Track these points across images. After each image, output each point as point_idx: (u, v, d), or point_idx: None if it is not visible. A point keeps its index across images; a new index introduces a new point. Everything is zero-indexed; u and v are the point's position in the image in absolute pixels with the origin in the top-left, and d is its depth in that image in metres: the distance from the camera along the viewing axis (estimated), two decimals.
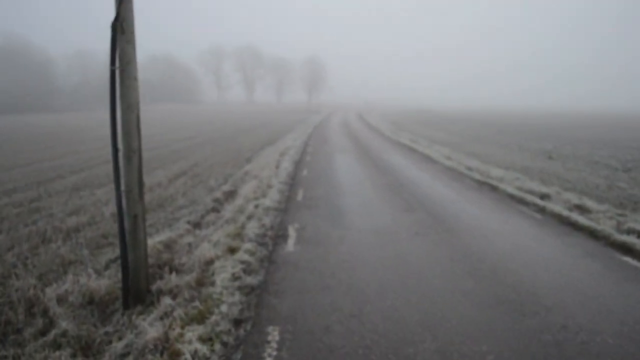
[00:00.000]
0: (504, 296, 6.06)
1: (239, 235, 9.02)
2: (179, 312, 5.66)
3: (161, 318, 5.88)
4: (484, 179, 15.88)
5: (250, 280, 6.57)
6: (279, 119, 69.46)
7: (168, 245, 9.51)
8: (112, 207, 12.45)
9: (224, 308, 5.55)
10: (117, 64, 6.26)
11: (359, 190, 13.62)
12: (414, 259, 7.43)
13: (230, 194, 14.28)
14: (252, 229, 9.21)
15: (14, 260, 8.39)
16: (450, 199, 12.42)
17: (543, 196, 13.18)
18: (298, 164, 19.70)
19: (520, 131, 44.82)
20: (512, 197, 12.95)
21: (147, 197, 13.61)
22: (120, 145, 6.37)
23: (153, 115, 75.75)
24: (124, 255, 6.48)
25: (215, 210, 12.44)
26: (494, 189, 14.22)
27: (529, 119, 72.91)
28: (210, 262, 7.69)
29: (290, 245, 8.37)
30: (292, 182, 15.15)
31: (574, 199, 12.60)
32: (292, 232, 9.21)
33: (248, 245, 8.05)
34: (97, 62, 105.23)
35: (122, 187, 6.55)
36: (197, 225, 11.11)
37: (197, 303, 5.73)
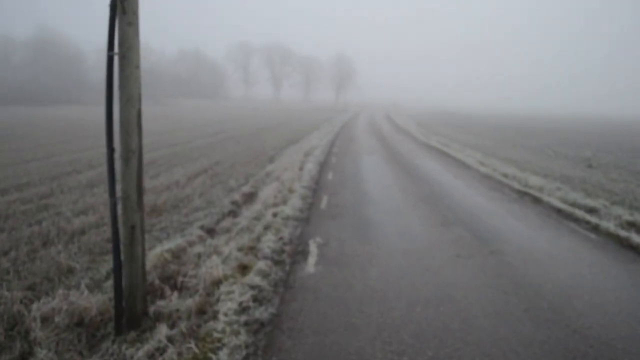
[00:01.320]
0: (574, 348, 4.84)
1: (252, 249, 7.97)
2: (171, 352, 4.63)
3: (152, 355, 4.88)
4: (523, 188, 14.54)
5: (261, 312, 5.48)
6: (305, 117, 68.45)
7: (177, 255, 8.60)
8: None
9: (223, 355, 4.46)
10: (117, 49, 5.30)
11: (388, 199, 12.45)
12: (458, 292, 6.22)
13: (250, 197, 13.33)
14: (268, 242, 8.13)
15: (8, 266, 7.56)
16: (490, 212, 11.16)
17: (590, 210, 11.88)
18: (323, 166, 18.60)
19: (553, 136, 42.81)
20: (559, 211, 11.62)
21: (163, 197, 12.87)
22: (116, 145, 5.41)
23: (178, 110, 75.78)
24: (117, 273, 5.52)
25: (232, 214, 11.50)
26: (536, 200, 12.89)
27: (557, 123, 70.34)
28: (217, 282, 6.65)
29: (311, 265, 7.25)
30: (316, 187, 14.06)
31: (625, 214, 11.24)
32: (313, 247, 8.09)
33: (261, 265, 6.97)
34: None
35: (118, 194, 5.60)
36: (210, 231, 10.18)
37: (192, 344, 4.66)
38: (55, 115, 54.12)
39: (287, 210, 10.40)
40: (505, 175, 17.26)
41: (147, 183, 14.72)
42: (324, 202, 11.84)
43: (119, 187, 5.46)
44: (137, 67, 5.45)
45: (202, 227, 10.17)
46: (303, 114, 79.04)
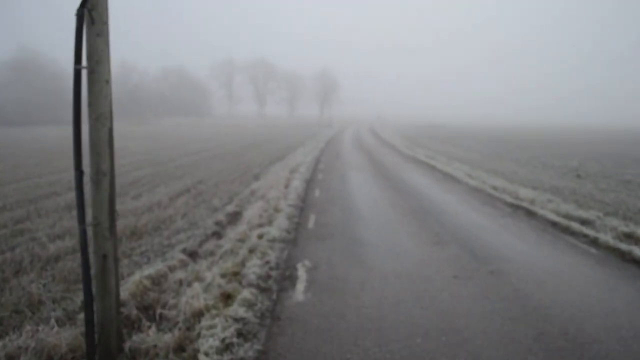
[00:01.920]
0: None
1: (237, 275, 7.42)
2: None
3: None
4: (515, 201, 14.20)
5: (246, 350, 4.92)
6: (290, 133, 68.10)
7: (157, 281, 8.05)
8: None
9: None
10: (85, 62, 4.85)
11: (378, 217, 11.99)
12: (460, 320, 5.72)
13: (234, 216, 12.81)
14: (253, 267, 7.58)
15: None
16: (484, 228, 10.75)
17: (584, 222, 11.57)
18: (309, 183, 18.12)
19: (539, 147, 42.89)
20: (554, 224, 11.27)
21: (145, 218, 12.30)
22: (86, 167, 4.94)
23: (162, 129, 74.96)
24: (88, 308, 4.98)
25: (216, 235, 10.98)
26: (530, 214, 12.54)
27: (544, 135, 70.77)
28: (198, 313, 6.10)
29: (300, 291, 6.71)
30: (303, 205, 13.55)
31: (621, 225, 10.96)
32: (301, 272, 7.55)
33: (246, 293, 6.42)
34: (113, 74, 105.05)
35: (88, 220, 5.09)
36: (193, 254, 9.65)
37: None
38: (37, 135, 53.07)
39: (273, 231, 9.87)
40: (495, 188, 16.95)
41: (129, 204, 14.15)
42: (311, 221, 11.33)
43: (90, 212, 4.96)
44: (108, 81, 5.01)
45: (184, 251, 9.64)
46: (288, 130, 78.71)
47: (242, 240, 9.97)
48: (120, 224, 11.85)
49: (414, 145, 43.74)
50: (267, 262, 7.92)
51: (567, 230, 10.70)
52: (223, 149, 37.88)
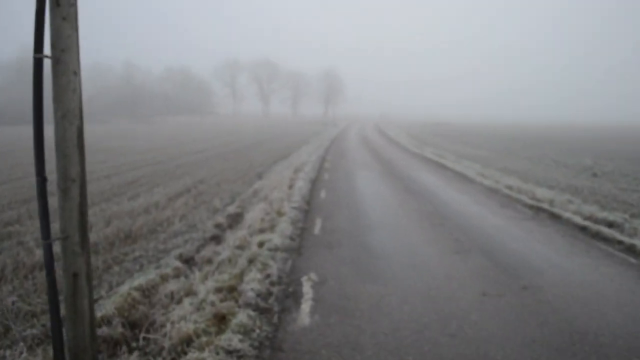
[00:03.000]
0: None
1: (233, 290, 6.53)
2: None
3: None
4: (535, 202, 13.24)
5: None
6: (295, 131, 67.10)
7: (147, 293, 7.25)
8: (95, 233, 10.19)
9: None
10: (50, 51, 4.04)
11: (389, 221, 11.04)
12: (498, 351, 4.74)
13: (235, 218, 12.00)
14: (252, 282, 6.66)
15: None
16: (507, 234, 9.80)
17: (610, 225, 10.66)
18: (314, 183, 17.19)
19: (548, 145, 41.74)
20: (582, 229, 10.32)
21: (140, 221, 11.58)
22: (50, 173, 4.15)
23: (165, 127, 74.27)
24: (57, 334, 4.21)
25: (215, 239, 10.19)
26: (554, 217, 11.58)
27: (551, 133, 69.43)
28: (187, 339, 5.22)
29: (305, 313, 5.76)
30: (308, 208, 12.63)
31: None
32: (307, 288, 6.61)
33: (243, 316, 5.49)
34: (114, 74, 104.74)
35: (54, 234, 4.32)
36: (189, 260, 8.88)
37: None
38: None
39: (275, 238, 8.94)
40: (510, 188, 16.00)
41: (125, 205, 13.37)
42: (317, 227, 10.40)
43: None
44: (76, 73, 4.18)
45: (180, 257, 8.81)
46: (292, 128, 77.76)
47: (241, 247, 9.11)
48: (114, 226, 11.05)
49: (420, 143, 42.74)
50: (268, 276, 7.01)
51: (597, 236, 9.76)
52: (226, 147, 37.03)
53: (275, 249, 8.41)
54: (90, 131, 65.71)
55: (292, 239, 9.26)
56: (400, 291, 6.45)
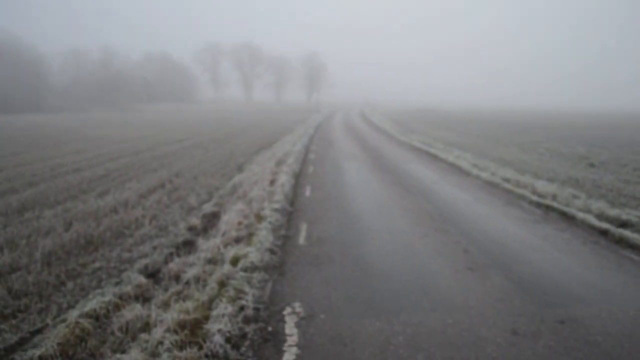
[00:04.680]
0: None
1: (197, 328, 5.16)
2: None
3: None
4: (540, 199, 12.03)
5: None
6: (278, 118, 65.27)
7: (101, 322, 6.01)
8: (50, 240, 8.94)
9: None
10: None
11: (386, 226, 9.65)
12: None
13: (211, 219, 10.72)
14: (221, 319, 5.25)
15: None
16: (522, 242, 8.48)
17: (624, 225, 9.59)
18: (298, 178, 15.75)
19: (537, 132, 40.71)
20: (602, 233, 9.12)
21: (105, 223, 10.29)
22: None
23: (144, 116, 71.97)
24: None
25: (187, 245, 8.90)
26: (567, 218, 10.37)
27: (537, 119, 68.73)
28: None
29: None
30: (292, 209, 11.19)
31: None
32: (291, 327, 5.20)
33: None
34: (92, 60, 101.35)
35: None
36: (154, 275, 7.59)
37: None
38: (13, 123, 49.75)
39: (252, 253, 7.48)
40: (508, 181, 14.81)
41: (91, 203, 11.92)
42: (302, 235, 8.97)
43: None
44: None
45: (145, 269, 7.63)
46: (275, 115, 75.87)
47: (213, 261, 7.76)
48: (74, 231, 9.62)
49: (406, 130, 41.37)
50: (242, 309, 5.60)
51: (623, 242, 8.55)
52: (206, 136, 35.31)
53: (253, 268, 6.99)
54: (68, 120, 63.52)
55: (272, 252, 7.83)
56: (410, 330, 5.08)
